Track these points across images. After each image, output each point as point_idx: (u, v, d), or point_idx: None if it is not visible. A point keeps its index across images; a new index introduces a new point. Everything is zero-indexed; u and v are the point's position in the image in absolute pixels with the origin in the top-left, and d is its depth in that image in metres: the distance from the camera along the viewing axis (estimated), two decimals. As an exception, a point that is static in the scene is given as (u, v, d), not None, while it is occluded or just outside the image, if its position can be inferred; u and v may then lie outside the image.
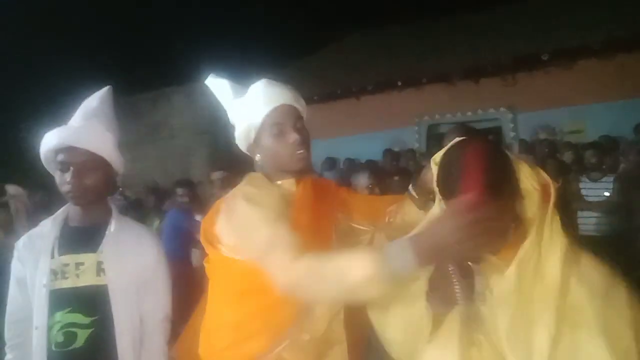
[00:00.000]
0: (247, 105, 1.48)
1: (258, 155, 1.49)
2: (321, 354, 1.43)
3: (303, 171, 1.49)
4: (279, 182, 1.49)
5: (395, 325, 1.24)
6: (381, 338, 1.29)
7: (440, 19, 9.76)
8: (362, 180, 2.95)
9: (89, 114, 1.70)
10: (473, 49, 7.71)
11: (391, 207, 1.59)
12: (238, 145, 1.54)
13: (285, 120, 1.44)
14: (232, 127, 1.54)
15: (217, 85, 1.59)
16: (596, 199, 4.42)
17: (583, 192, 4.49)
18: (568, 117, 6.95)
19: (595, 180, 4.50)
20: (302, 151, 1.44)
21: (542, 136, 6.84)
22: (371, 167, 4.72)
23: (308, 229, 1.36)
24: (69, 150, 1.61)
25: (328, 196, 1.58)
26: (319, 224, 1.47)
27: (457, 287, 1.11)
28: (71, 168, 1.60)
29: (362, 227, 1.59)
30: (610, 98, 6.43)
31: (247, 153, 1.53)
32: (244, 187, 1.46)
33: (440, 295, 1.13)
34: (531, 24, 7.79)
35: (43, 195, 4.72)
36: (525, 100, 7.11)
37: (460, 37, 8.32)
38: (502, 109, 7.46)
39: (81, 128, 1.66)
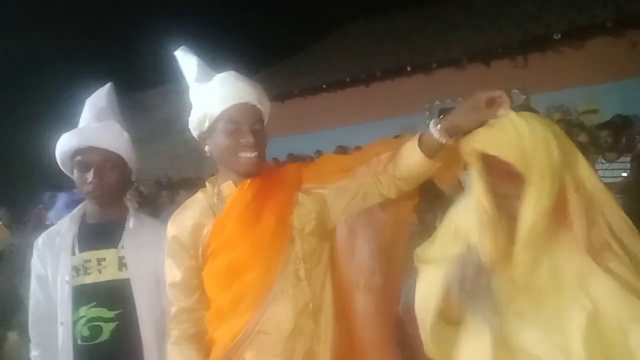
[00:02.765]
0: (209, 93, 1.43)
1: (207, 146, 1.45)
2: (294, 351, 1.38)
3: (252, 174, 1.43)
4: (221, 186, 1.47)
5: None
6: None
7: (446, 2, 9.64)
8: None
9: (101, 114, 1.73)
10: (482, 32, 7.62)
11: (384, 153, 1.47)
12: (190, 128, 1.49)
13: (243, 120, 1.40)
14: (190, 106, 1.49)
15: (186, 60, 1.51)
16: (613, 180, 4.36)
17: (599, 173, 4.44)
18: (581, 97, 6.86)
19: (611, 161, 4.44)
20: (251, 155, 1.39)
21: (556, 117, 6.76)
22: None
23: (237, 234, 1.39)
24: (88, 150, 1.65)
25: (281, 185, 1.49)
26: (257, 224, 1.40)
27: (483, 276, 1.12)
28: (92, 168, 1.64)
29: (342, 183, 1.47)
30: (624, 76, 6.31)
31: (196, 139, 1.49)
32: (173, 218, 1.50)
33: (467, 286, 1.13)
34: (540, 4, 7.67)
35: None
36: (538, 81, 7.02)
37: (469, 20, 8.22)
38: (514, 91, 7.37)
39: (100, 128, 1.69)
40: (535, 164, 1.10)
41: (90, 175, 1.64)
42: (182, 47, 1.53)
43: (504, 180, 1.15)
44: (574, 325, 1.06)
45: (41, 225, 4.51)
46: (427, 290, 1.27)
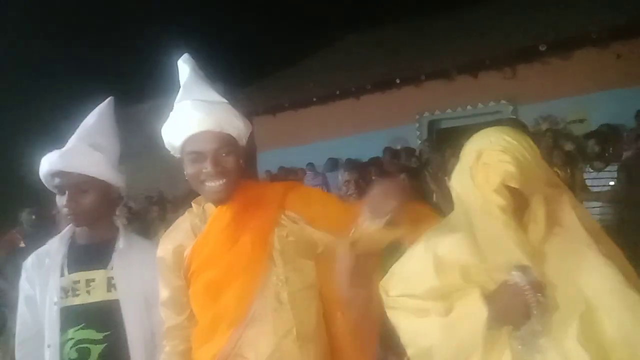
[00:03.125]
0: (172, 122, 1.41)
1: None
2: None
3: (220, 202, 1.41)
4: (205, 206, 1.48)
5: None
6: None
7: (435, 15, 9.77)
8: (340, 176, 3.28)
9: (80, 135, 1.71)
10: (470, 44, 7.70)
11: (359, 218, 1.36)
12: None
13: (203, 149, 1.36)
14: None
15: (181, 72, 1.50)
16: (600, 189, 4.40)
17: (587, 182, 4.48)
18: (568, 107, 6.93)
19: (599, 170, 4.48)
20: (214, 184, 1.36)
21: (544, 126, 6.82)
22: (376, 164, 4.71)
23: (215, 255, 1.39)
24: (61, 174, 1.63)
25: (263, 205, 1.45)
26: (234, 246, 1.39)
27: (531, 299, 1.14)
28: (66, 191, 1.62)
29: (314, 232, 1.44)
30: (610, 86, 6.40)
31: None
32: (161, 239, 1.53)
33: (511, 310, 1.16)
34: (526, 16, 7.79)
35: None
36: (525, 92, 7.09)
37: (457, 33, 8.31)
38: (502, 102, 7.45)
39: (68, 152, 1.66)
40: (536, 182, 1.21)
41: (64, 199, 1.62)
42: (184, 55, 1.50)
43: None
44: (571, 332, 1.11)
45: (13, 252, 4.34)
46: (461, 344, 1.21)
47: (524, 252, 1.16)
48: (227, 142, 1.39)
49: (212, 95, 1.43)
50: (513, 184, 1.18)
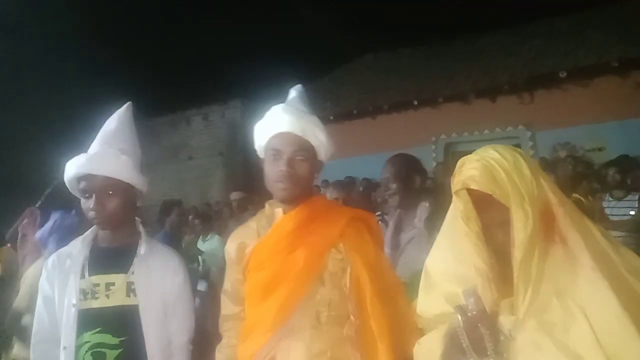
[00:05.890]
0: (261, 124, 1.52)
1: None
2: None
3: (285, 201, 1.48)
4: (275, 210, 1.53)
5: None
6: None
7: (454, 39, 9.81)
8: (329, 194, 3.53)
9: (105, 139, 1.73)
10: (489, 68, 7.72)
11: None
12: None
13: (282, 149, 1.45)
14: None
15: (292, 94, 1.61)
16: (620, 218, 4.33)
17: (607, 211, 4.41)
18: (587, 135, 6.87)
19: (618, 199, 4.42)
20: (283, 185, 1.43)
21: (562, 154, 6.76)
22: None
23: (270, 259, 1.45)
24: (88, 177, 1.64)
25: (326, 224, 1.49)
26: (289, 256, 1.43)
27: (487, 337, 1.09)
28: (93, 195, 1.64)
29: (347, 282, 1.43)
30: (629, 116, 6.35)
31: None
32: (232, 234, 1.62)
33: (468, 344, 1.10)
34: (546, 44, 7.79)
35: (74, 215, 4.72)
36: (544, 118, 7.05)
37: (476, 57, 8.34)
38: (520, 127, 7.41)
39: (96, 155, 1.68)
40: (512, 188, 1.13)
41: (91, 202, 1.63)
42: (298, 86, 1.64)
43: (488, 211, 1.19)
44: (583, 336, 1.05)
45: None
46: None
47: (477, 266, 1.17)
48: (306, 149, 1.47)
49: (305, 109, 1.54)
50: (473, 186, 1.17)
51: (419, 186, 2.35)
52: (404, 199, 2.32)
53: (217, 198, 9.15)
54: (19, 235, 2.87)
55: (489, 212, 1.19)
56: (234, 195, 5.53)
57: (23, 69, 10.76)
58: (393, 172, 2.35)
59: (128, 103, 1.83)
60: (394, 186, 2.32)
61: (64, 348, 1.60)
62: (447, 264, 1.28)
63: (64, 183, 1.73)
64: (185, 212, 5.13)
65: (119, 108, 1.82)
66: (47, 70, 10.90)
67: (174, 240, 4.52)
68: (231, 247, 1.57)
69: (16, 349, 2.29)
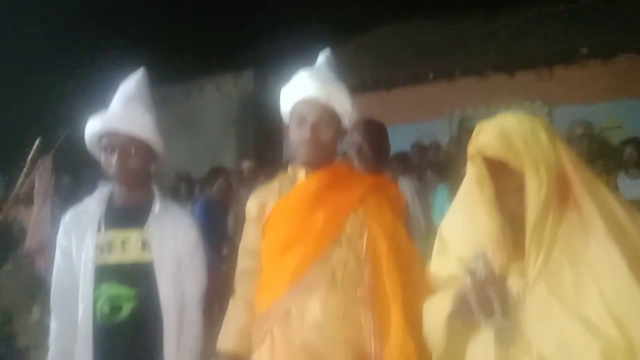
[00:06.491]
0: (287, 89, 1.53)
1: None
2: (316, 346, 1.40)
3: (308, 165, 1.51)
4: (297, 171, 1.56)
5: None
6: None
7: (473, 14, 9.58)
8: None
9: (128, 99, 1.75)
10: (508, 43, 7.56)
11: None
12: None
13: (307, 115, 1.47)
14: None
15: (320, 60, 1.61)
16: (635, 197, 4.28)
17: (621, 189, 4.36)
18: (605, 113, 6.75)
19: (634, 178, 4.37)
20: (306, 149, 1.47)
21: (578, 131, 6.67)
22: (401, 158, 4.70)
23: (289, 219, 1.50)
24: (112, 135, 1.67)
25: (348, 190, 1.53)
26: (307, 217, 1.47)
27: (495, 298, 1.10)
28: (116, 151, 1.67)
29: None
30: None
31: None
32: (253, 192, 1.65)
33: (475, 305, 1.12)
34: (567, 23, 7.59)
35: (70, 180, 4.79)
36: (561, 94, 6.93)
37: (495, 32, 8.16)
38: (537, 102, 7.30)
39: (122, 113, 1.71)
40: (527, 155, 1.13)
41: (114, 159, 1.67)
42: (327, 49, 1.64)
43: (503, 177, 1.18)
44: (593, 300, 1.05)
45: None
46: (435, 317, 1.26)
47: (489, 231, 1.17)
48: (330, 115, 1.48)
49: (332, 74, 1.54)
50: (488, 152, 1.16)
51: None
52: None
53: (230, 167, 9.20)
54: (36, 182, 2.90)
55: (503, 177, 1.19)
56: (245, 165, 5.55)
57: (39, 35, 10.80)
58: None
59: (142, 68, 1.84)
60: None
61: (82, 300, 1.65)
62: (461, 229, 1.29)
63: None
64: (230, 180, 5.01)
65: (131, 73, 1.83)
66: (62, 34, 10.91)
67: (221, 206, 4.46)
68: (252, 204, 1.60)
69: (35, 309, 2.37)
